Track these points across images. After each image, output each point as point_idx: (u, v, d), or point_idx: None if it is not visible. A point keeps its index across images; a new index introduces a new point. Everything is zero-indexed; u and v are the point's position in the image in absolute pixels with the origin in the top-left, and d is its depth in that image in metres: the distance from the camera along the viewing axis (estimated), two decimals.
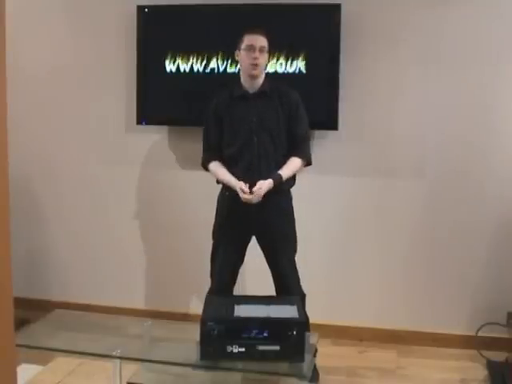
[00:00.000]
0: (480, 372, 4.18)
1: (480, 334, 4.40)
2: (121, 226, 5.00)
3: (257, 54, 3.71)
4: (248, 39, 3.74)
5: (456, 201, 4.45)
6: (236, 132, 3.78)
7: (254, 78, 3.77)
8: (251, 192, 3.66)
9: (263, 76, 3.82)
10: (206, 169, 3.90)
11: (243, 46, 3.75)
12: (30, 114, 5.01)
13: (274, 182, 3.70)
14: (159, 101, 4.62)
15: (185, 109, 4.58)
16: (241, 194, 3.66)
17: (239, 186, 3.68)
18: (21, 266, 4.96)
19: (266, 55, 3.78)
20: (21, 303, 4.32)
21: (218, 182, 3.90)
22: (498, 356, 4.25)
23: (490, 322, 4.39)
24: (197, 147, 3.97)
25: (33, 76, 4.97)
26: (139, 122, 4.66)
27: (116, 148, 4.92)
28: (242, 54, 3.77)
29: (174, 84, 4.57)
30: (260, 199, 3.66)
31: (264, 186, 3.67)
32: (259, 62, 3.73)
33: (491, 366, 4.20)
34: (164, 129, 4.77)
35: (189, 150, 4.65)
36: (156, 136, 4.81)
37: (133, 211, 4.97)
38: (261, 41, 3.74)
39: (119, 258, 5.05)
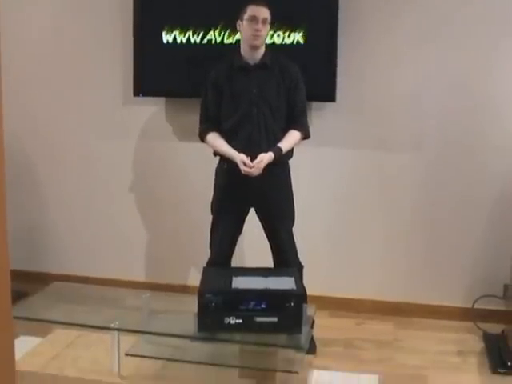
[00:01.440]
0: (476, 344, 4.21)
1: (477, 306, 4.42)
2: (119, 198, 5.00)
3: (259, 25, 3.70)
4: (251, 10, 3.72)
5: (455, 174, 4.46)
6: (236, 103, 3.77)
7: (255, 48, 3.75)
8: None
9: (264, 48, 3.80)
10: (204, 140, 3.88)
11: (246, 16, 3.73)
12: (25, 88, 4.98)
13: (275, 155, 3.70)
14: (156, 72, 4.60)
15: (182, 80, 4.56)
16: (241, 167, 3.66)
17: (240, 158, 3.68)
18: (19, 238, 4.96)
19: (267, 27, 3.77)
20: (19, 276, 4.33)
21: (215, 154, 3.89)
22: (495, 328, 4.27)
23: (487, 294, 4.41)
24: (194, 119, 3.96)
25: (29, 48, 4.94)
26: (136, 94, 4.65)
27: (113, 120, 4.91)
28: (244, 25, 3.75)
29: (171, 55, 4.54)
30: (260, 172, 3.66)
31: (265, 158, 3.67)
32: (261, 34, 3.72)
33: (487, 338, 4.23)
34: (161, 101, 4.76)
35: (186, 121, 4.63)
36: (153, 108, 4.79)
37: (130, 183, 4.97)
38: (264, 12, 3.72)
39: (118, 230, 5.06)
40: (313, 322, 3.71)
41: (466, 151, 4.42)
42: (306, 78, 3.86)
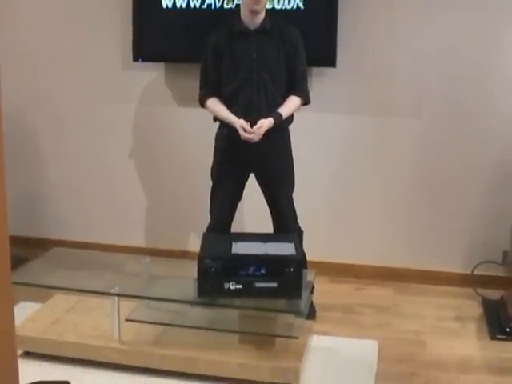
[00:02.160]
0: (475, 309, 4.23)
1: (476, 272, 4.43)
2: (118, 164, 4.98)
3: None
4: None
5: (456, 139, 4.44)
6: (236, 68, 3.73)
7: (255, 13, 3.71)
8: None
9: (264, 13, 3.76)
10: (204, 105, 3.86)
11: None
12: (25, 52, 4.94)
13: (275, 121, 3.68)
14: (156, 37, 4.56)
15: (181, 45, 4.52)
16: (241, 132, 3.64)
17: (240, 124, 3.66)
18: (19, 204, 4.96)
19: None
20: (19, 242, 4.35)
21: (215, 119, 3.87)
22: (494, 294, 4.29)
23: (487, 260, 4.42)
24: (194, 84, 3.93)
25: (27, 13, 4.89)
26: (135, 59, 4.61)
27: (113, 85, 4.88)
28: None
29: (171, 20, 4.50)
30: (260, 137, 3.65)
31: (265, 124, 3.65)
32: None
33: (486, 303, 4.25)
34: (161, 66, 4.73)
35: (186, 86, 4.60)
36: (153, 73, 4.76)
37: (130, 149, 4.95)
38: None
39: (117, 195, 5.05)
40: (312, 287, 3.74)
41: (466, 116, 4.39)
42: (306, 44, 3.82)
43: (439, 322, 4.07)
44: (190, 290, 3.32)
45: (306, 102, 3.86)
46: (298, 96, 3.80)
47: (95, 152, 5.03)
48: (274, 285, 3.18)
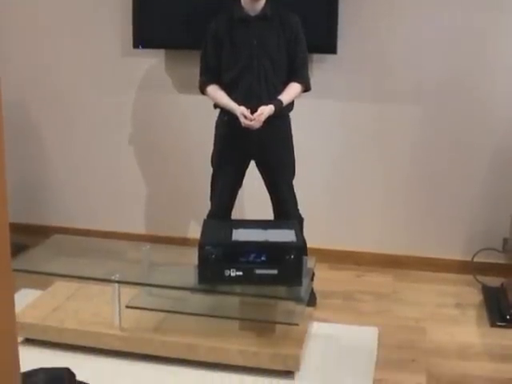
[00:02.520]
0: (475, 297, 4.24)
1: (476, 259, 4.43)
2: (119, 151, 4.98)
3: None
4: None
5: (456, 124, 4.42)
6: (236, 55, 3.72)
7: (255, 0, 3.70)
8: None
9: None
10: (204, 92, 3.84)
11: None
12: (25, 39, 4.93)
13: (275, 108, 3.67)
14: (156, 24, 4.53)
15: (182, 32, 4.50)
16: (242, 119, 3.64)
17: (241, 111, 3.65)
18: (19, 191, 4.96)
19: None
20: (19, 229, 4.36)
21: (215, 106, 3.86)
22: (494, 281, 4.30)
23: (487, 247, 4.42)
24: (194, 71, 3.91)
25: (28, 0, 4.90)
26: (136, 46, 4.59)
27: (113, 72, 4.86)
28: None
29: (171, 7, 4.48)
30: (261, 124, 3.64)
31: (265, 111, 3.64)
32: None
33: (486, 290, 4.26)
34: (161, 52, 4.71)
35: (186, 73, 4.59)
36: (153, 60, 4.75)
37: (130, 136, 4.94)
38: None
39: (118, 183, 5.05)
40: (313, 274, 3.74)
41: (466, 102, 4.38)
42: (306, 30, 3.80)
43: (439, 309, 4.08)
44: (190, 276, 3.32)
45: (306, 88, 3.84)
46: (299, 83, 3.79)
47: (96, 138, 5.02)
48: (275, 272, 3.18)
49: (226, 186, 3.89)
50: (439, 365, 3.42)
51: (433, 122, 4.46)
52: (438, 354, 3.53)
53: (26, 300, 3.75)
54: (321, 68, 4.46)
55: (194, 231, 4.35)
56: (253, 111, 3.64)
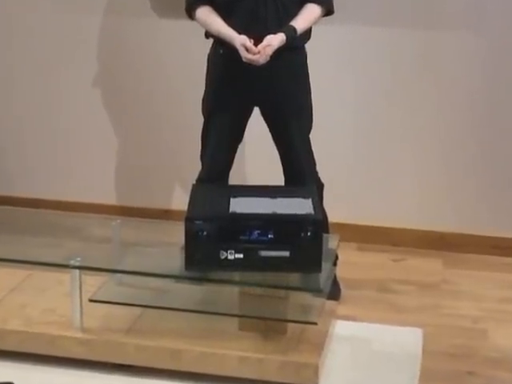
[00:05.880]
0: None
1: None
2: (78, 94, 5.00)
3: None
4: None
5: None
6: None
7: None
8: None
9: None
10: (192, 17, 3.83)
11: None
12: None
13: (287, 37, 3.64)
14: None
15: None
16: (242, 53, 3.60)
17: (241, 41, 3.61)
18: None
19: None
20: None
21: (207, 35, 3.84)
22: None
23: None
24: None
25: None
26: None
27: None
28: None
29: None
30: (268, 59, 3.60)
31: (274, 42, 3.60)
32: None
33: None
34: None
35: None
36: None
37: (95, 74, 4.95)
38: None
39: (78, 136, 5.06)
40: (336, 257, 3.74)
41: None
42: None
43: (504, 305, 4.08)
44: (174, 260, 3.35)
45: (328, 11, 3.82)
46: (318, 4, 3.75)
47: (49, 78, 5.02)
48: (286, 254, 3.16)
49: (221, 141, 3.88)
50: (505, 379, 3.41)
51: (497, 55, 4.43)
52: (502, 364, 3.52)
53: None
54: None
55: (179, 201, 4.37)
56: (257, 42, 3.60)
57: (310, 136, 3.90)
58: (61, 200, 4.99)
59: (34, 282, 3.88)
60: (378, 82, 4.59)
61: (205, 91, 3.91)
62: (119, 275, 3.56)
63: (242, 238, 3.17)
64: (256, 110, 3.87)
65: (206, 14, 3.76)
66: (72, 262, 3.36)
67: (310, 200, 3.36)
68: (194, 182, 3.85)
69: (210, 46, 3.86)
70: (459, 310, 4.00)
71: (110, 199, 5.05)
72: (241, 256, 3.17)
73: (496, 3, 4.35)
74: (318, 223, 3.22)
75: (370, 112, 4.64)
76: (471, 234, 4.61)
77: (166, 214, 4.81)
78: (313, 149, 3.91)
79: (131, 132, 4.98)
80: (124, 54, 4.88)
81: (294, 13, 3.71)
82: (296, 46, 3.75)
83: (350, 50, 4.58)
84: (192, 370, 3.28)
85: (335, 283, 3.90)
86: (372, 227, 4.72)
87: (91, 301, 3.36)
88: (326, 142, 4.23)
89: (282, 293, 3.32)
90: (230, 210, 3.28)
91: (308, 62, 3.86)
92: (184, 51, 4.69)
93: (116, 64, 4.91)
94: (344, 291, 4.06)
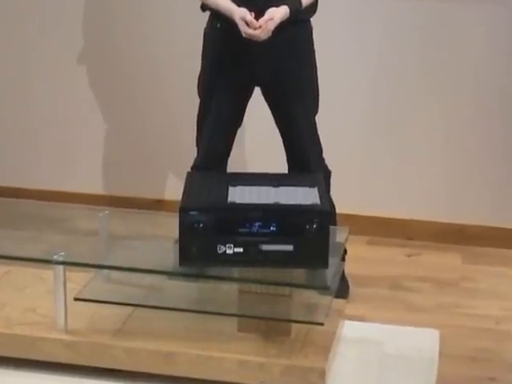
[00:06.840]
0: None
1: None
2: (66, 78, 5.00)
3: None
4: None
5: None
6: None
7: None
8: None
9: None
10: None
11: None
12: None
13: (291, 11, 3.64)
14: None
15: None
16: (242, 28, 3.60)
17: (240, 14, 3.61)
18: None
19: None
20: None
21: (204, 8, 3.84)
22: None
23: None
24: None
25: None
26: None
27: None
28: None
29: None
30: (270, 35, 3.60)
31: (277, 15, 3.61)
32: None
33: None
34: None
35: None
36: None
37: (81, 50, 4.95)
38: None
39: (62, 123, 5.08)
40: (344, 252, 3.74)
41: None
42: None
43: None
44: (167, 255, 3.36)
45: None
46: None
47: (31, 62, 5.04)
48: (289, 248, 3.15)
49: (219, 124, 3.89)
50: None
51: None
52: None
53: None
54: None
55: (173, 190, 4.38)
56: (258, 15, 3.60)
57: (316, 119, 3.90)
58: (43, 189, 5.00)
59: (13, 279, 3.87)
60: (392, 61, 4.59)
61: (200, 70, 3.92)
62: (107, 271, 3.55)
63: (241, 230, 3.15)
64: (257, 91, 3.87)
65: None
66: (55, 257, 3.33)
67: (315, 189, 3.35)
68: (189, 170, 3.86)
69: (207, 19, 3.85)
70: (479, 310, 4.01)
71: (97, 188, 5.07)
72: (240, 250, 3.15)
73: None
74: (325, 214, 3.20)
75: (383, 92, 4.64)
76: (493, 226, 4.63)
77: (158, 205, 4.84)
78: (319, 133, 3.90)
79: (119, 116, 5.00)
80: (109, 25, 4.91)
81: None
82: (301, 19, 3.76)
83: (360, 23, 4.59)
84: (187, 375, 3.27)
85: (343, 280, 3.91)
86: (384, 219, 4.73)
87: (76, 299, 3.35)
88: (334, 125, 4.23)
89: (286, 290, 3.31)
90: (229, 200, 3.26)
91: (314, 37, 3.85)
92: (176, 24, 4.71)
93: (99, 34, 4.94)
94: (353, 289, 4.07)
